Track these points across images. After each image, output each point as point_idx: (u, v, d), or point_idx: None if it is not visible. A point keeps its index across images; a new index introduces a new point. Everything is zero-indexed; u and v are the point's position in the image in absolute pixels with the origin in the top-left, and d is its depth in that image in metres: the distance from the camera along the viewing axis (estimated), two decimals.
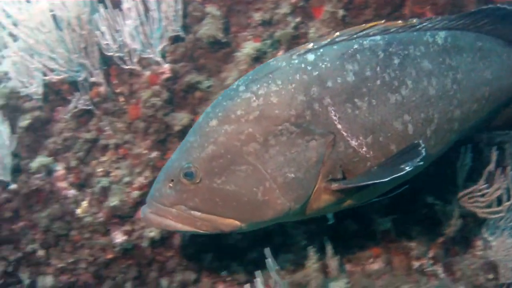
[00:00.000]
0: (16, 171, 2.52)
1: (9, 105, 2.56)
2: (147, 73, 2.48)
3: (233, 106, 1.69)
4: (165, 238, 2.41)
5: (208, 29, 2.45)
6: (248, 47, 2.43)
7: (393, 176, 1.57)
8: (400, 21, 1.86)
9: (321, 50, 1.73)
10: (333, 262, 2.26)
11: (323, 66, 1.70)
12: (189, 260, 2.42)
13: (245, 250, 2.44)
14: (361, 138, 1.69)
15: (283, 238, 2.43)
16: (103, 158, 2.49)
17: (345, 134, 1.68)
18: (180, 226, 1.72)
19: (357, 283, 2.31)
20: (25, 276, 2.45)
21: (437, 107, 1.80)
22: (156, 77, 2.47)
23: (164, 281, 2.43)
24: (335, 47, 1.75)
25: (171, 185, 1.72)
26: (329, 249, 2.25)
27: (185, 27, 2.53)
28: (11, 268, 2.45)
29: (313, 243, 2.31)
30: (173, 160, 1.78)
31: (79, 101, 2.49)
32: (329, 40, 1.76)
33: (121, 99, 2.53)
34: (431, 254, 2.48)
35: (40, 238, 2.45)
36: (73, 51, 2.43)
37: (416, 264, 2.44)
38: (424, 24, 1.88)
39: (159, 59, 2.48)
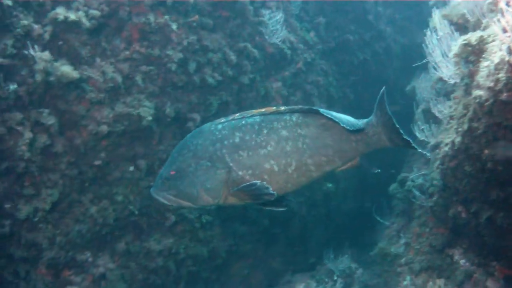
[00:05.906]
0: None
1: None
2: None
3: (185, 148, 3.11)
4: None
5: None
6: None
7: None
8: (274, 108, 3.08)
9: (226, 123, 3.06)
10: None
11: (224, 132, 3.04)
12: None
13: None
14: (244, 171, 3.01)
15: None
16: None
17: (235, 168, 3.01)
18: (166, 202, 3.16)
19: None
20: None
21: (293, 157, 3.03)
22: None
23: None
24: (233, 121, 3.06)
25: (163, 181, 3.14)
26: None
27: None
28: None
29: None
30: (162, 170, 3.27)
31: None
32: (231, 118, 3.07)
33: None
34: None
35: None
36: None
37: None
38: (287, 109, 3.06)
39: None
